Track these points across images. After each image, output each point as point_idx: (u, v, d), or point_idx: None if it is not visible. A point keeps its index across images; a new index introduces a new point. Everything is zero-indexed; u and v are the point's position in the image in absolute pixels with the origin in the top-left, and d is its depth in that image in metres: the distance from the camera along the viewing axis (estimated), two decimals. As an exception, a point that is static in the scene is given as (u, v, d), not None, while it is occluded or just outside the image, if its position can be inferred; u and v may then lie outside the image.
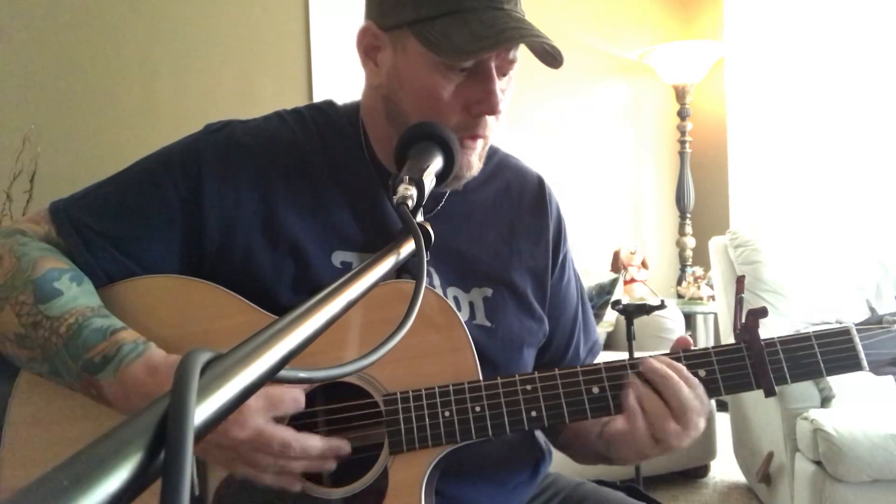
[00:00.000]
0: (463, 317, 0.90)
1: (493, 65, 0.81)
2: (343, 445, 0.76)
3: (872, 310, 0.87)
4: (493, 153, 1.01)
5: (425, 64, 0.81)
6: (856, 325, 0.84)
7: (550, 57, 0.82)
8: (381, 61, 0.86)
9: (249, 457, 0.71)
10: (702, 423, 0.79)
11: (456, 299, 0.91)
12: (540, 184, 1.03)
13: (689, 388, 0.78)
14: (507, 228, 0.98)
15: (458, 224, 0.94)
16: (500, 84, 0.83)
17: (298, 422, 0.79)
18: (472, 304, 0.92)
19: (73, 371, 0.73)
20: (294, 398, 0.73)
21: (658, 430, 0.78)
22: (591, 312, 1.10)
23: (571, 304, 1.04)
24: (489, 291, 0.93)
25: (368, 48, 0.87)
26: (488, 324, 0.91)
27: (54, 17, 2.76)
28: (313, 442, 0.73)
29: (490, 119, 0.84)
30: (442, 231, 0.84)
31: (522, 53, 0.84)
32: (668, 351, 0.84)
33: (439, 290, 0.90)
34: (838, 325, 0.83)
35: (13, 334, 0.77)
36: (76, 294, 0.77)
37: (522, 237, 0.98)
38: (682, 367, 0.80)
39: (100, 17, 2.82)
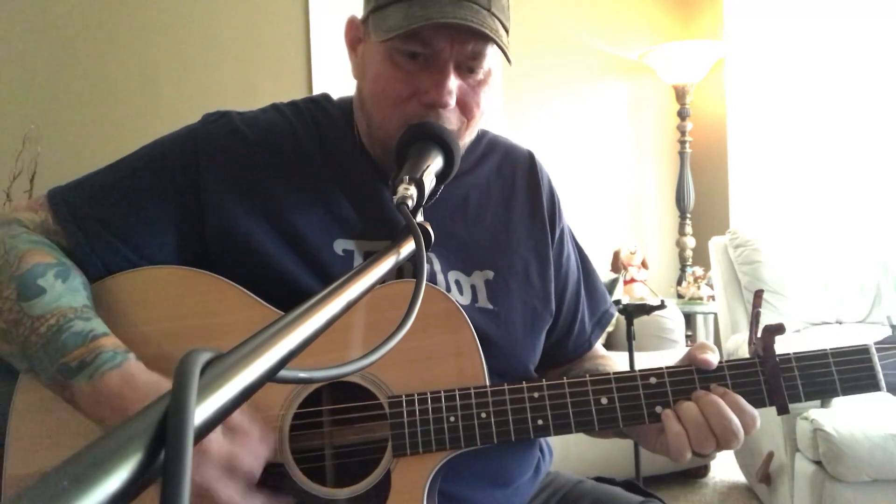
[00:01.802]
0: (465, 300, 0.90)
1: (447, 57, 0.79)
2: None
3: (894, 328, 0.83)
4: (482, 135, 1.00)
5: (378, 51, 0.82)
6: (875, 343, 0.80)
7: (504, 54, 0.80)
8: (359, 52, 0.88)
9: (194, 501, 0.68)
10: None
11: (458, 283, 0.91)
12: (531, 159, 1.03)
13: (739, 419, 0.75)
14: (504, 208, 0.97)
15: (456, 208, 0.94)
16: (468, 80, 0.82)
17: (303, 420, 0.79)
18: (473, 287, 0.91)
19: (49, 372, 0.72)
20: (250, 471, 0.70)
21: (697, 449, 0.76)
22: (598, 282, 1.08)
23: (572, 278, 1.03)
24: (491, 274, 0.93)
25: (353, 40, 0.89)
26: (491, 307, 0.91)
27: (54, 17, 2.76)
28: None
29: (447, 114, 0.82)
30: (440, 216, 0.84)
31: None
32: (682, 356, 0.82)
33: (440, 276, 0.90)
34: (857, 344, 0.79)
35: None
36: (60, 292, 0.75)
37: (519, 215, 0.98)
38: (737, 398, 0.76)
39: (100, 16, 2.82)
